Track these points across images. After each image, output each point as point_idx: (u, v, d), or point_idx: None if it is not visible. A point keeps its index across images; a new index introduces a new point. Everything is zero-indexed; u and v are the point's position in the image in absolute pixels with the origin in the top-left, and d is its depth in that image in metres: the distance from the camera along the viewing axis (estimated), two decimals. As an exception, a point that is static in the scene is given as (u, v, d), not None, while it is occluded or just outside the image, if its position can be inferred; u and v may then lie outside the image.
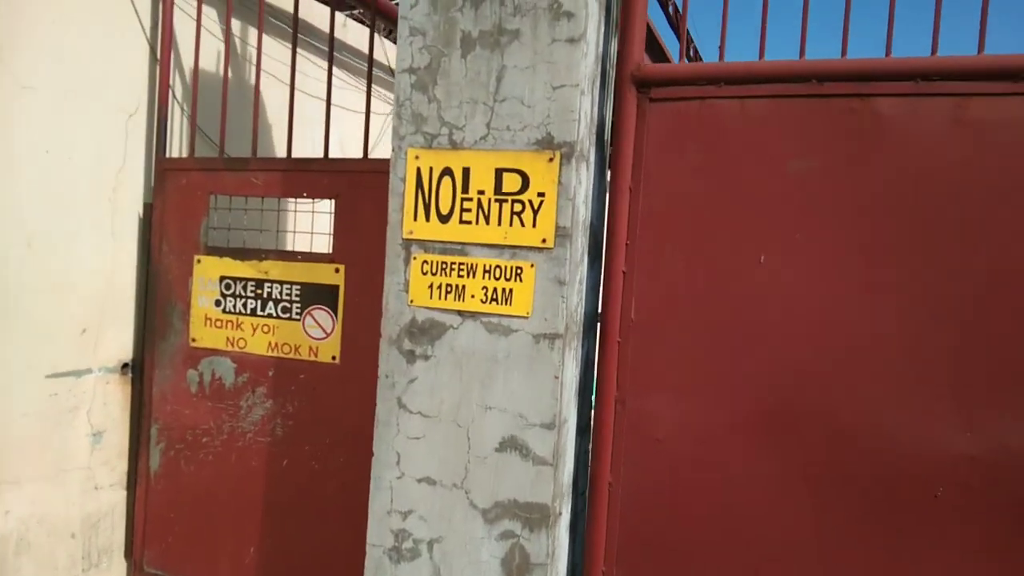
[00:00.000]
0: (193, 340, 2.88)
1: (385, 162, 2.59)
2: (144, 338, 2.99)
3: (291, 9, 3.78)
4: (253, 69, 3.64)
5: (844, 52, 2.11)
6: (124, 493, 3.05)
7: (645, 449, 2.26)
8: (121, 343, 3.00)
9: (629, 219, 2.26)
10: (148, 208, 2.99)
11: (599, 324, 2.32)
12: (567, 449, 2.26)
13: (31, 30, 2.58)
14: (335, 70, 4.38)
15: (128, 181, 2.98)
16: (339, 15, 4.34)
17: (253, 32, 3.62)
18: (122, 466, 3.04)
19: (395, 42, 4.70)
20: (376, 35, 4.84)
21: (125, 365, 3.02)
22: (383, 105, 4.93)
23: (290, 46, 3.89)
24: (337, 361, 2.64)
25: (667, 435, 2.24)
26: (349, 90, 4.45)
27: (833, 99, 2.10)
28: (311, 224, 2.74)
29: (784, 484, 2.12)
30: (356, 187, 2.61)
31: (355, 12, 4.55)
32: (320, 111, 4.40)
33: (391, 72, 4.92)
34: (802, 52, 2.15)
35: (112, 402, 2.98)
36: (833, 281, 2.09)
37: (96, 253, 2.87)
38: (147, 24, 3.03)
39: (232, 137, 3.24)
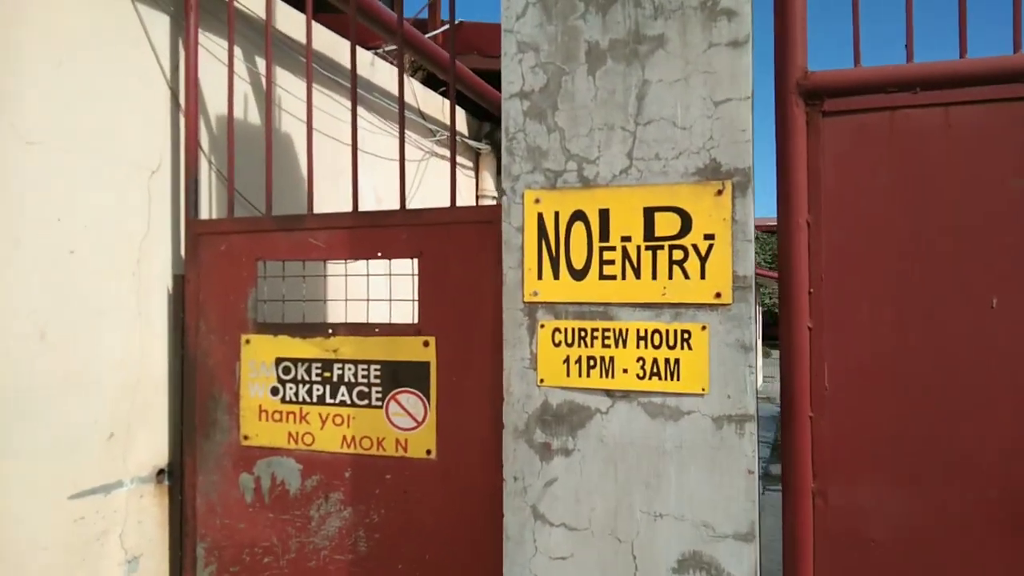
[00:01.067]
0: (245, 438, 2.36)
1: (479, 210, 2.14)
2: (183, 438, 2.47)
3: (323, 49, 3.37)
4: (283, 115, 3.20)
5: (1074, 39, 1.69)
6: (165, 631, 2.50)
7: (855, 554, 1.77)
8: (155, 446, 2.47)
9: (810, 261, 1.80)
10: (179, 280, 2.50)
11: (781, 396, 1.84)
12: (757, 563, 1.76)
13: (33, 73, 2.12)
14: (364, 113, 3.96)
15: (154, 250, 2.49)
16: (367, 54, 3.92)
17: (279, 74, 3.17)
18: (161, 597, 2.49)
19: (423, 82, 4.26)
20: (401, 73, 4.42)
21: (161, 472, 2.49)
22: (412, 151, 4.49)
23: (320, 88, 3.47)
24: (433, 456, 2.14)
25: (885, 535, 1.75)
26: (380, 135, 4.01)
27: (1068, 97, 1.67)
28: (388, 290, 2.26)
29: (1059, 593, 1.64)
30: (444, 242, 2.14)
31: (382, 51, 4.13)
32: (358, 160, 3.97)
33: (421, 115, 4.49)
34: (1017, 46, 1.73)
35: (148, 519, 2.45)
36: (1094, 324, 1.64)
37: (121, 339, 2.37)
38: (167, 65, 2.58)
39: (258, 195, 2.77)
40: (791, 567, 1.79)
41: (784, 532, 1.80)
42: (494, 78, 4.72)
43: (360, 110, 3.89)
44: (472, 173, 5.20)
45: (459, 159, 5.06)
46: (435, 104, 4.61)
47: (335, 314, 2.58)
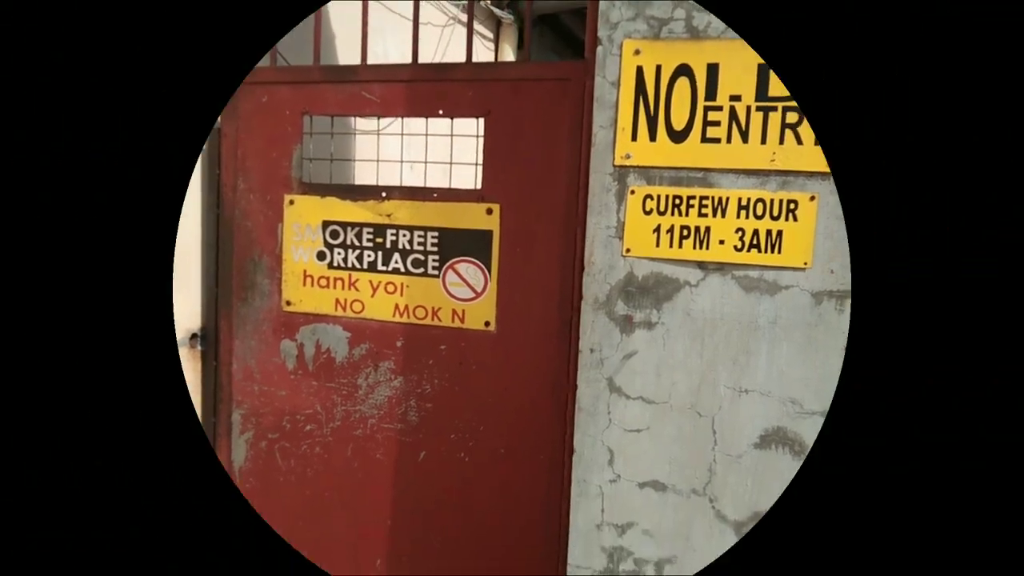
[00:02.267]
0: (288, 303, 2.25)
1: (557, 66, 1.97)
2: (218, 302, 2.35)
3: None
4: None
5: None
6: (199, 494, 2.46)
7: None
8: (188, 309, 2.36)
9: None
10: (216, 134, 2.32)
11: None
12: (839, 441, 1.73)
13: None
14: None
15: (187, 99, 2.29)
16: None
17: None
18: (196, 461, 2.43)
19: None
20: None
21: (194, 336, 2.39)
22: (436, 14, 4.21)
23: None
24: (491, 328, 2.05)
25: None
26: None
27: None
28: (449, 153, 2.11)
29: None
30: (515, 101, 1.98)
31: None
32: (382, 18, 3.69)
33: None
34: None
35: (181, 383, 2.36)
36: None
37: (153, 193, 2.20)
38: None
39: (292, 50, 2.55)
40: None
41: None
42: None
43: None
44: (492, 45, 4.92)
45: (478, 27, 4.77)
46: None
47: (388, 177, 2.42)
